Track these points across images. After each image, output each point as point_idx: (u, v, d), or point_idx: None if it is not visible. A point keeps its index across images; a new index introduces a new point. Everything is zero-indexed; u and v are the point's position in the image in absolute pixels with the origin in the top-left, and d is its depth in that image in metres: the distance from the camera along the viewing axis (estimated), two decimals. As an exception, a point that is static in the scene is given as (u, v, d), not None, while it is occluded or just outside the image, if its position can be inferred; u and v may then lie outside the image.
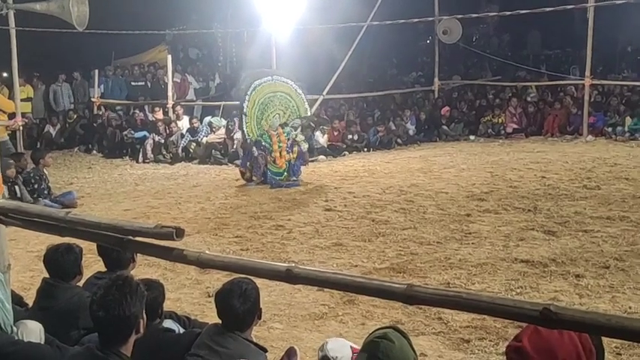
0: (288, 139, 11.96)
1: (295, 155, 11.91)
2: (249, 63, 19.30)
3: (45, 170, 11.23)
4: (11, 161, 10.63)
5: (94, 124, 17.26)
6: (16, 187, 10.44)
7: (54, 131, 17.50)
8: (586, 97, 15.63)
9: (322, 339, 4.98)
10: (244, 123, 12.04)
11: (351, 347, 3.47)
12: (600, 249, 7.10)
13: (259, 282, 3.52)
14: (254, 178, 11.75)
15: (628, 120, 15.32)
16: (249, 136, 12.05)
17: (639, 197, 9.37)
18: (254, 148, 11.77)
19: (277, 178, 11.71)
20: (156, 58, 20.43)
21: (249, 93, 11.99)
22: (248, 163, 11.94)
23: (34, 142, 16.80)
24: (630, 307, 5.52)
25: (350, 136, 15.64)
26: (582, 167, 11.91)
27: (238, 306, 3.43)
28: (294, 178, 11.82)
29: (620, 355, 4.70)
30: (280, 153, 11.79)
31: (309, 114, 12.69)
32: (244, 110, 11.97)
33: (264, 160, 11.70)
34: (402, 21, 17.54)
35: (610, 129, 15.44)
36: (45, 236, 4.79)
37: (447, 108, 17.45)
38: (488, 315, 2.11)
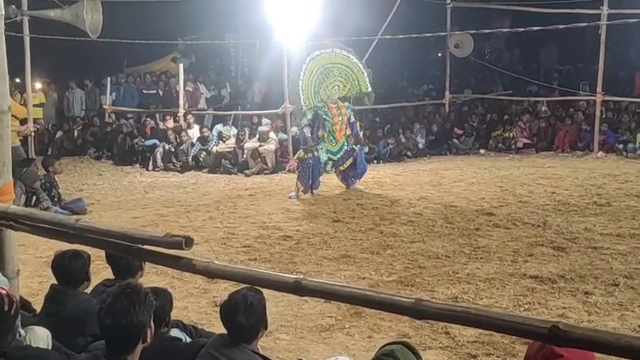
0: (350, 114, 11.67)
1: (350, 132, 11.63)
2: (260, 73, 19.45)
3: (56, 177, 11.28)
4: (40, 173, 10.79)
5: (105, 131, 17.34)
6: (34, 197, 10.54)
7: (65, 138, 17.60)
8: (597, 113, 15.60)
9: (328, 351, 4.98)
10: (301, 91, 11.42)
11: None
12: (610, 266, 7.07)
13: (266, 292, 3.51)
14: (299, 186, 11.39)
15: (639, 137, 15.27)
16: (305, 104, 11.46)
17: (649, 215, 9.32)
18: (306, 129, 11.43)
19: (332, 157, 11.47)
20: (168, 66, 20.52)
21: (307, 62, 11.49)
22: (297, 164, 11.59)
23: (45, 149, 16.89)
24: (639, 326, 5.48)
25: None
26: (593, 183, 11.86)
27: (243, 321, 3.42)
28: (355, 179, 11.74)
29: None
30: (340, 126, 11.48)
31: (369, 90, 12.12)
32: (300, 77, 11.41)
33: (318, 140, 11.32)
34: (415, 35, 17.59)
35: (621, 146, 15.39)
36: (54, 242, 4.80)
37: (460, 131, 17.39)
38: (497, 331, 2.10)
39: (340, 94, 11.72)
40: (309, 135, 11.32)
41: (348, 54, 11.94)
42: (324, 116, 11.40)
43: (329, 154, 11.51)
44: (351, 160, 11.71)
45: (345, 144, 11.63)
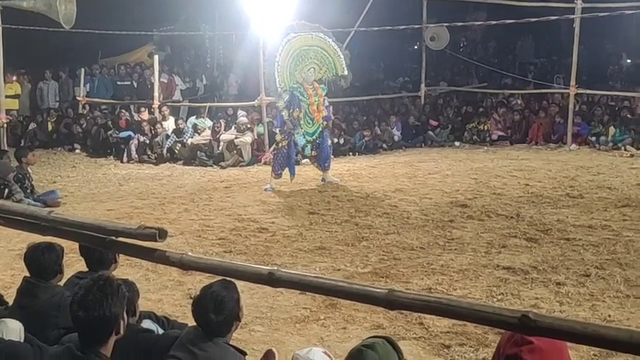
0: (325, 96, 11.67)
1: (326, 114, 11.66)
2: (236, 65, 19.37)
3: (29, 169, 11.16)
4: (13, 165, 10.67)
5: (78, 123, 17.16)
6: (6, 189, 10.40)
7: (38, 129, 17.40)
8: (570, 106, 15.74)
9: (303, 342, 5.00)
10: (276, 73, 11.36)
11: (324, 353, 3.45)
12: (581, 257, 7.16)
13: (241, 284, 3.51)
14: (272, 173, 11.47)
15: (612, 130, 15.44)
16: (280, 85, 11.39)
17: (621, 206, 9.45)
18: (284, 112, 11.35)
19: (309, 138, 11.50)
20: (142, 58, 20.36)
21: (283, 44, 11.43)
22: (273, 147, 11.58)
23: (18, 140, 16.69)
24: (609, 315, 5.57)
25: (336, 140, 15.65)
26: (565, 176, 11.98)
27: (213, 317, 3.42)
28: (326, 164, 11.80)
29: (599, 362, 4.74)
30: (317, 107, 11.46)
31: (346, 72, 12.04)
32: (276, 59, 11.35)
33: (295, 122, 11.30)
34: (390, 27, 17.62)
35: (594, 138, 15.56)
36: (26, 235, 4.75)
37: (435, 122, 17.49)
38: (468, 321, 2.13)
39: (316, 77, 11.68)
40: (287, 118, 11.29)
41: (325, 36, 11.89)
42: (300, 97, 11.38)
43: (306, 136, 11.52)
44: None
45: (321, 126, 11.68)
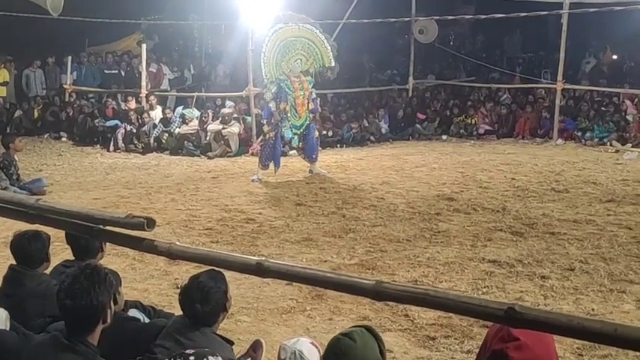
0: (312, 88, 11.64)
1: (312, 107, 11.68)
2: (225, 56, 19.30)
3: (15, 156, 11.09)
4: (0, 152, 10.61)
5: (65, 111, 17.05)
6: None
7: (24, 116, 17.28)
8: (557, 101, 15.83)
9: (289, 333, 5.02)
10: (262, 63, 11.32)
11: (311, 343, 3.47)
12: (566, 251, 7.21)
13: (228, 274, 3.52)
14: (259, 165, 11.50)
15: (597, 126, 15.52)
16: (266, 76, 11.35)
17: (605, 201, 9.52)
18: (271, 103, 11.31)
19: (297, 131, 11.49)
20: (130, 46, 20.23)
21: (269, 34, 11.37)
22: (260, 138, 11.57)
23: (4, 128, 16.56)
24: (593, 309, 5.62)
25: (324, 132, 15.64)
26: (551, 170, 12.05)
27: (200, 308, 3.43)
28: (313, 156, 11.83)
29: (582, 355, 4.79)
30: (302, 100, 11.43)
31: (333, 64, 11.98)
32: (263, 50, 11.32)
33: (282, 115, 11.28)
34: (379, 20, 17.62)
35: (580, 133, 15.65)
36: (12, 222, 4.73)
37: (423, 116, 17.53)
38: (455, 313, 2.15)
39: (303, 68, 11.64)
40: (274, 109, 11.27)
41: (312, 27, 11.84)
42: (286, 89, 11.34)
43: (293, 129, 11.51)
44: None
45: (307, 119, 11.66)
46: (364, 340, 2.62)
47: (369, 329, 2.71)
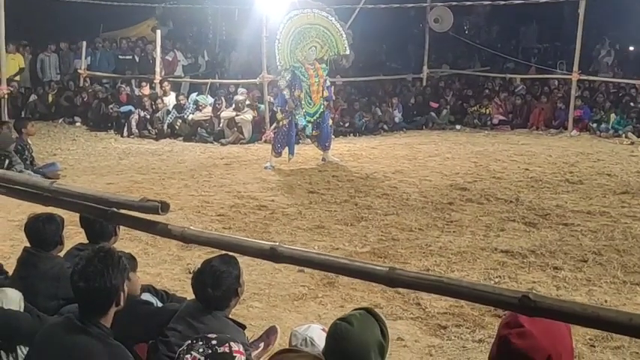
0: (326, 76, 11.64)
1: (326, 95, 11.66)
2: (239, 42, 19.26)
3: (29, 140, 11.15)
4: (14, 136, 10.66)
5: (80, 96, 17.10)
6: (7, 160, 10.37)
7: (38, 101, 17.35)
8: (572, 92, 15.73)
9: (301, 320, 5.03)
10: (277, 50, 11.27)
11: (322, 330, 3.48)
12: (579, 242, 7.18)
13: (240, 260, 3.53)
14: (272, 152, 11.50)
15: (612, 117, 15.43)
16: (280, 63, 11.30)
17: (620, 193, 9.46)
18: (285, 91, 11.28)
19: (310, 119, 11.48)
20: (144, 32, 20.23)
21: (284, 21, 11.32)
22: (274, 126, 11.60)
23: (18, 112, 16.62)
24: (606, 301, 5.60)
25: (338, 120, 15.62)
26: (565, 161, 11.99)
27: (211, 292, 3.45)
28: (327, 144, 11.83)
29: (594, 347, 4.77)
30: (317, 87, 11.39)
31: (348, 52, 11.96)
32: (277, 37, 11.26)
33: (297, 102, 11.26)
34: (396, 5, 17.54)
35: (595, 125, 15.55)
36: (26, 205, 4.76)
37: (436, 104, 17.49)
38: (468, 300, 2.13)
39: (317, 56, 11.61)
40: (289, 97, 11.25)
41: (327, 15, 11.76)
42: (300, 77, 11.32)
43: (307, 117, 11.48)
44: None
45: (322, 106, 11.63)
46: (363, 323, 2.61)
47: (369, 311, 2.71)
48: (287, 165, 11.48)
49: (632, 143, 14.15)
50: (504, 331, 2.30)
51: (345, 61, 12.05)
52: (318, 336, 3.37)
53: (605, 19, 19.03)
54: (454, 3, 18.24)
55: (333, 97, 12.66)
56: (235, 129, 14.42)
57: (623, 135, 14.77)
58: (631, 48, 20.74)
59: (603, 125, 15.35)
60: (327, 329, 3.46)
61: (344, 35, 11.88)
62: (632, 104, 15.76)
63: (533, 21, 23.49)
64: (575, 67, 15.67)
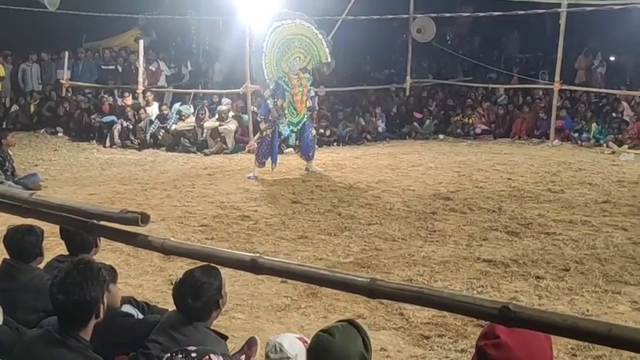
0: (310, 86, 11.65)
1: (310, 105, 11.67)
2: (222, 52, 19.26)
3: (9, 151, 11.06)
4: None
5: (62, 106, 17.01)
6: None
7: (20, 111, 17.24)
8: (554, 102, 15.83)
9: (284, 330, 5.00)
10: (264, 63, 11.33)
11: (298, 338, 3.46)
12: (561, 252, 7.22)
13: (223, 271, 3.51)
14: (255, 162, 11.45)
15: (594, 126, 15.55)
16: (268, 77, 11.34)
17: (601, 202, 9.52)
18: (269, 100, 11.30)
19: (294, 129, 11.47)
20: (127, 42, 20.18)
21: (269, 33, 11.36)
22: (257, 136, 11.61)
23: (0, 123, 16.52)
24: (588, 310, 5.62)
25: (321, 131, 15.62)
26: (547, 171, 12.06)
27: (192, 303, 3.42)
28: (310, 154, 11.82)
29: (576, 356, 4.79)
30: (300, 97, 11.41)
31: (330, 60, 12.01)
32: (263, 50, 11.32)
33: (280, 112, 11.28)
34: (377, 17, 17.61)
35: (576, 134, 15.66)
36: (6, 217, 4.70)
37: (419, 115, 17.55)
38: (449, 311, 2.14)
39: (301, 65, 11.64)
40: (272, 106, 11.26)
41: (308, 24, 11.84)
42: (284, 86, 11.33)
43: (291, 126, 11.48)
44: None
45: (305, 116, 11.64)
46: (345, 335, 2.59)
47: (352, 323, 2.70)
48: (270, 175, 11.45)
49: (613, 152, 14.26)
50: (481, 342, 2.30)
51: (326, 69, 12.09)
52: (288, 343, 3.35)
53: (587, 30, 19.26)
54: (436, 14, 18.33)
55: (317, 108, 12.68)
56: (219, 139, 14.40)
57: (605, 144, 14.88)
58: (612, 58, 20.93)
59: (585, 135, 15.46)
60: (303, 338, 3.46)
61: (325, 43, 11.94)
62: (613, 114, 15.92)
63: (515, 31, 23.73)
64: (557, 77, 15.79)
